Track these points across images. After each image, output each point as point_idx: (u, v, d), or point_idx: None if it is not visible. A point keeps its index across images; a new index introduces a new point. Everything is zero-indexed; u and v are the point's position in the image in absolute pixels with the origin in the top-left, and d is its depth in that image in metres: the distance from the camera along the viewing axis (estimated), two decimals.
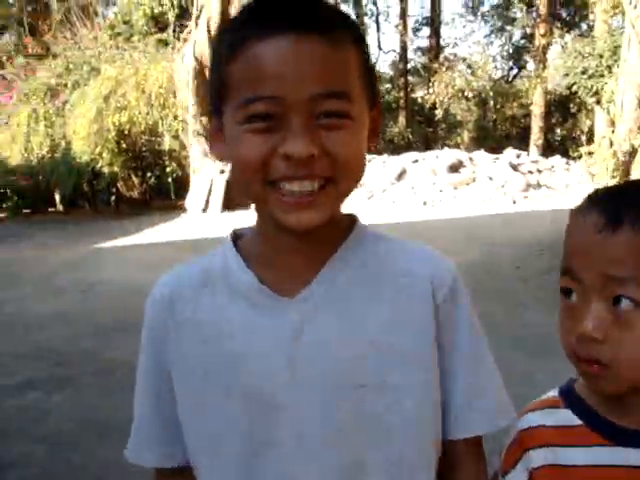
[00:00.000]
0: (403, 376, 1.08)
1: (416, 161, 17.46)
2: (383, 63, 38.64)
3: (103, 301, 8.49)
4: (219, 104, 1.05)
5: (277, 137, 0.98)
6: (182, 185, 18.71)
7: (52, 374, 5.97)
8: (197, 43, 15.95)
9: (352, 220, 1.14)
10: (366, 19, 33.41)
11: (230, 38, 1.02)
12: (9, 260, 11.93)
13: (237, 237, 1.16)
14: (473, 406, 1.14)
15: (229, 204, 15.60)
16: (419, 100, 30.00)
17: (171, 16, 20.72)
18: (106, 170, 16.94)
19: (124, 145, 16.88)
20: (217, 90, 1.04)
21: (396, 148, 25.62)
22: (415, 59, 34.62)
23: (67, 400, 5.34)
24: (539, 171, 17.63)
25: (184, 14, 20.82)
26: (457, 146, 26.87)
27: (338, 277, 1.09)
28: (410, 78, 32.84)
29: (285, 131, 0.97)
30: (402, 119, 30.57)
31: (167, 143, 16.57)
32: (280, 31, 0.96)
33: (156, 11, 21.10)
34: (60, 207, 21.83)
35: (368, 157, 1.15)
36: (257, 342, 1.07)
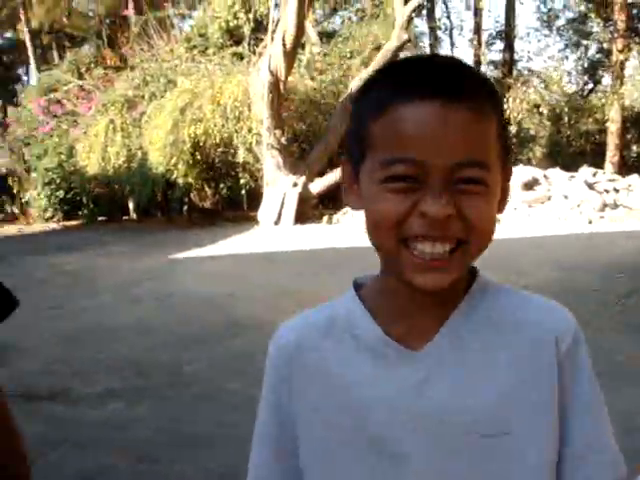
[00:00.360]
0: (529, 426, 1.08)
1: None
2: None
3: (179, 312, 8.61)
4: (357, 157, 1.07)
5: (415, 197, 0.99)
6: (254, 197, 18.87)
7: (132, 385, 6.08)
8: (272, 57, 16.07)
9: (473, 272, 1.15)
10: (439, 33, 33.31)
11: (374, 97, 1.04)
12: (87, 268, 12.21)
13: (358, 286, 1.18)
14: (591, 458, 1.12)
15: (301, 217, 15.68)
16: None
17: (246, 29, 20.95)
18: (181, 181, 17.18)
19: (199, 157, 17.10)
20: (356, 143, 1.07)
21: None
22: (487, 73, 34.36)
23: (148, 412, 5.43)
24: (616, 190, 17.25)
25: (259, 27, 21.06)
26: (529, 161, 26.53)
27: (463, 330, 1.10)
28: None
29: (424, 192, 0.99)
30: None
31: (241, 155, 16.73)
32: (426, 96, 0.98)
33: (231, 24, 21.34)
34: (134, 215, 22.27)
35: None
36: (382, 392, 1.08)
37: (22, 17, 32.29)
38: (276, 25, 17.06)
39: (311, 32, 20.57)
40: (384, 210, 1.01)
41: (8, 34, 38.74)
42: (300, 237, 13.93)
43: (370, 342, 1.10)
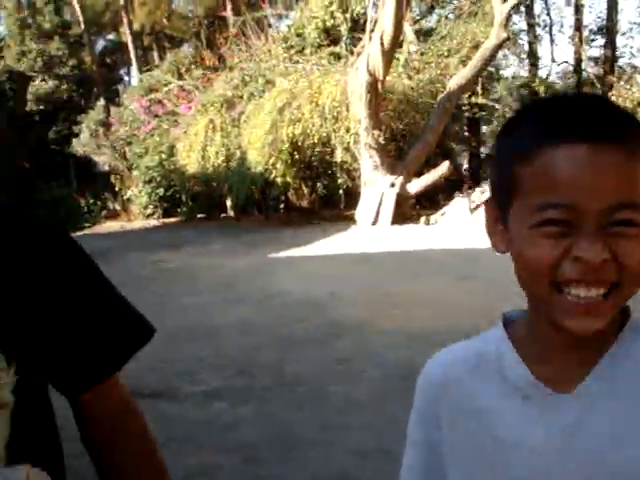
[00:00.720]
0: None
1: None
2: (554, 75, 37.55)
3: (280, 312, 8.67)
4: (503, 200, 1.06)
5: (567, 241, 0.98)
6: (351, 196, 18.89)
7: (235, 385, 6.15)
8: (370, 56, 16.03)
9: (625, 312, 1.11)
10: (539, 30, 32.65)
11: (519, 140, 1.03)
12: (188, 266, 12.44)
13: (507, 320, 1.17)
14: None
15: (398, 218, 15.61)
16: None
17: (344, 29, 20.99)
18: (279, 180, 17.32)
19: (297, 156, 17.20)
20: (502, 186, 1.06)
21: None
22: (587, 70, 33.50)
23: (252, 413, 5.48)
24: None
25: (355, 26, 21.06)
26: None
27: (615, 372, 1.07)
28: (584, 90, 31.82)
29: (576, 236, 0.98)
30: None
31: (339, 155, 16.76)
32: (576, 140, 0.97)
33: (328, 24, 21.40)
34: (231, 213, 22.60)
35: None
36: (529, 435, 1.07)
37: (124, 20, 33.18)
38: (374, 25, 17.01)
39: (408, 30, 20.44)
40: (538, 255, 1.00)
41: (111, 36, 39.91)
42: (398, 238, 13.87)
43: (518, 383, 1.10)
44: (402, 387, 5.77)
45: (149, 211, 23.11)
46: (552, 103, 1.07)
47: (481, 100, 20.17)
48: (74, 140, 26.33)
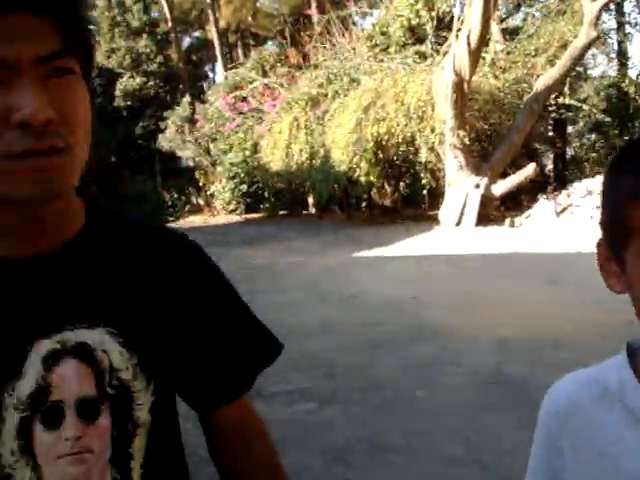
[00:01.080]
0: None
1: None
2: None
3: (364, 313, 8.67)
4: (617, 240, 1.05)
5: None
6: (434, 196, 18.76)
7: (322, 385, 6.17)
8: (457, 56, 15.87)
9: None
10: (629, 28, 31.83)
11: (631, 181, 1.02)
12: (271, 263, 12.54)
13: (630, 349, 1.15)
14: None
15: (482, 219, 15.45)
16: None
17: (429, 28, 20.85)
18: (362, 179, 17.31)
19: (381, 155, 17.15)
20: (616, 227, 1.05)
21: None
22: None
23: (339, 414, 5.49)
24: None
25: (440, 24, 20.90)
26: None
27: None
28: None
29: None
30: None
31: (424, 155, 16.65)
32: None
33: (413, 22, 21.29)
34: (312, 210, 22.72)
35: None
36: None
37: (210, 17, 33.64)
38: (461, 23, 16.85)
39: (494, 29, 20.17)
40: None
41: (197, 34, 40.54)
42: (482, 240, 13.72)
43: None
44: (489, 394, 5.74)
45: (232, 207, 23.43)
46: None
47: (568, 100, 19.77)
48: (160, 136, 26.86)
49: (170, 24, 33.30)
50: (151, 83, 30.05)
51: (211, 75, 41.15)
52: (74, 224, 1.12)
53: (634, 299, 1.04)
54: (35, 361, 1.03)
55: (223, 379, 1.25)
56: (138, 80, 29.60)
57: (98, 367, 1.07)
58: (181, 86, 32.12)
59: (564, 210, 15.55)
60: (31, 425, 1.03)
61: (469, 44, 15.79)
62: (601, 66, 29.87)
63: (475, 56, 15.99)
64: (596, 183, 15.59)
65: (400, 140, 16.70)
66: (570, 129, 28.23)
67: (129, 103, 29.36)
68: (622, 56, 28.65)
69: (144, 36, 31.03)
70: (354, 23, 27.51)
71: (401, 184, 19.59)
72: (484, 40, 16.34)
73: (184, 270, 1.20)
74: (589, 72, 27.69)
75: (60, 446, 1.03)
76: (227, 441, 1.30)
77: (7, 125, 0.95)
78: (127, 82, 29.44)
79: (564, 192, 16.66)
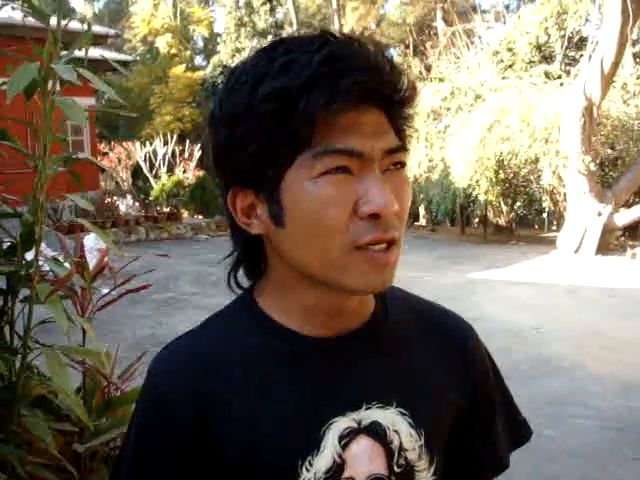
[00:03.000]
0: None
1: None
2: None
3: (486, 340, 8.57)
4: None
5: None
6: (550, 220, 18.40)
7: None
8: (588, 80, 15.50)
9: None
10: None
11: None
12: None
13: None
14: None
15: (602, 248, 15.07)
16: None
17: (558, 47, 20.47)
18: (481, 198, 17.11)
19: (502, 175, 16.92)
20: None
21: None
22: None
23: None
24: None
25: (569, 44, 20.49)
26: None
27: None
28: None
29: None
30: None
31: (546, 178, 16.32)
32: None
33: (541, 40, 20.93)
34: (422, 222, 22.62)
35: None
36: None
37: (335, 23, 33.92)
38: (595, 46, 16.46)
39: (627, 53, 19.64)
40: None
41: None
42: (602, 270, 13.38)
43: None
44: (619, 439, 5.64)
45: None
46: None
47: None
48: None
49: (295, 27, 33.76)
50: None
51: None
52: (369, 305, 1.18)
53: None
54: (333, 437, 1.08)
55: (483, 461, 1.27)
56: None
57: (389, 446, 1.11)
58: None
59: None
60: None
61: (602, 69, 15.40)
62: None
63: (607, 81, 15.58)
64: None
65: (523, 161, 16.43)
66: None
67: None
68: None
69: (269, 37, 31.53)
70: (480, 37, 27.32)
71: (518, 204, 19.26)
72: (618, 66, 15.91)
73: (464, 352, 1.25)
74: None
75: None
76: None
77: (355, 215, 1.00)
78: None
79: None
